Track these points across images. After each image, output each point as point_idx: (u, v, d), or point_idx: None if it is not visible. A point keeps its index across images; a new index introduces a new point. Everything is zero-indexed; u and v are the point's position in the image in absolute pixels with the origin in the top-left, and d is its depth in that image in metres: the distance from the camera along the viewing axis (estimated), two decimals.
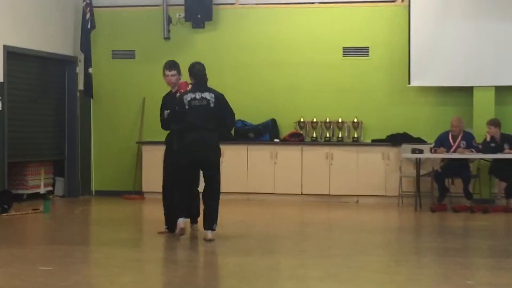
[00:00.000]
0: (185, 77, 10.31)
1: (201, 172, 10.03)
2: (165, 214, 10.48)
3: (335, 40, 15.46)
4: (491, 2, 14.60)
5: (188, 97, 9.84)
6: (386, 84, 15.31)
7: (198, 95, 9.85)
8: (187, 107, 9.81)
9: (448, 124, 13.96)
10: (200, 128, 9.78)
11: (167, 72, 10.51)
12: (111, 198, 15.43)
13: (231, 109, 10.05)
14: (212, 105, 9.85)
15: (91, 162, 16.20)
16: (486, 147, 13.50)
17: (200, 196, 10.05)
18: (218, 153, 9.98)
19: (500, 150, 13.42)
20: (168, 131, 10.56)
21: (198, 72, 10.01)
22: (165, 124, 10.48)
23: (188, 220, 10.38)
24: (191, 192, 10.16)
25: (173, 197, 10.10)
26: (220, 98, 9.93)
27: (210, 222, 9.77)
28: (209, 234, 9.72)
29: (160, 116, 10.55)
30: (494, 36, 14.53)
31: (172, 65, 10.52)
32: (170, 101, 10.38)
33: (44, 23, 15.10)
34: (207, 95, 9.86)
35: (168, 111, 10.28)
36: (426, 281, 7.71)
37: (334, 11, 15.52)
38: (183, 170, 9.90)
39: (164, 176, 10.51)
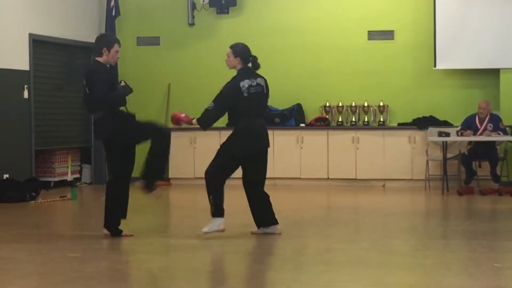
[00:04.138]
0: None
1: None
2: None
3: (360, 24, 15.37)
4: None
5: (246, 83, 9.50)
6: (412, 67, 15.22)
7: (253, 82, 9.64)
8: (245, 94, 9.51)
9: (474, 106, 13.87)
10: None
11: None
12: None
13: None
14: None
15: None
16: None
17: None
18: None
19: None
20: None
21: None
22: None
23: None
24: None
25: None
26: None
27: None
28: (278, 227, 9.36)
29: None
30: None
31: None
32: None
33: (69, 10, 15.14)
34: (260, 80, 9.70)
35: None
36: (454, 264, 7.68)
37: None
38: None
39: None
